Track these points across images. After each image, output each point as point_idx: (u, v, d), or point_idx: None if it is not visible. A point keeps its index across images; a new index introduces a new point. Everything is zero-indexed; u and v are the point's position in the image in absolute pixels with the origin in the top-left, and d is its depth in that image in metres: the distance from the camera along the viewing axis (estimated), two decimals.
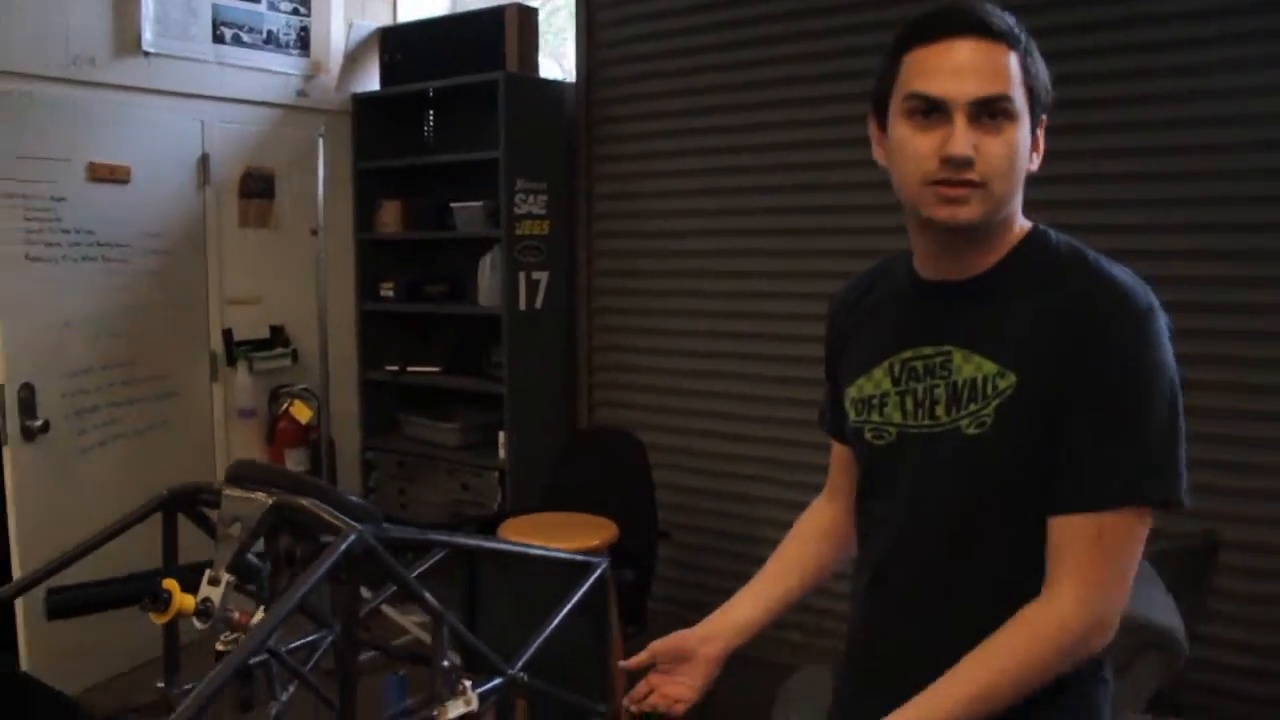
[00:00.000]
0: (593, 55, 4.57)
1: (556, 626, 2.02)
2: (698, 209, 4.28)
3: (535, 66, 4.63)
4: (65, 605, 3.02)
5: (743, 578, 1.69)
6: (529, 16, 4.56)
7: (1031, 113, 1.28)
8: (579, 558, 2.09)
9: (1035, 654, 1.23)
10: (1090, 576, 1.23)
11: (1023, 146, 1.26)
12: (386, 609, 1.98)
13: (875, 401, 1.41)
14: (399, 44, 4.80)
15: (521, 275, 4.45)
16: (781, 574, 1.60)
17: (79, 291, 3.74)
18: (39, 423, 3.54)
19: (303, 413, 4.45)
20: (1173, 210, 3.33)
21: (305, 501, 1.57)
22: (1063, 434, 1.24)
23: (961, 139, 1.23)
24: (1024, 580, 1.30)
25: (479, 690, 1.76)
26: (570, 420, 4.72)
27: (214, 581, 1.56)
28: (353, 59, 4.85)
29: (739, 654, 1.65)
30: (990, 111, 1.24)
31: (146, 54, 4.03)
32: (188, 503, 1.75)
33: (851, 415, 1.46)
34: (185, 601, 1.53)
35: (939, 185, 1.26)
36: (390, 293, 4.84)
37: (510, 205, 4.37)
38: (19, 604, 3.42)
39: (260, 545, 1.74)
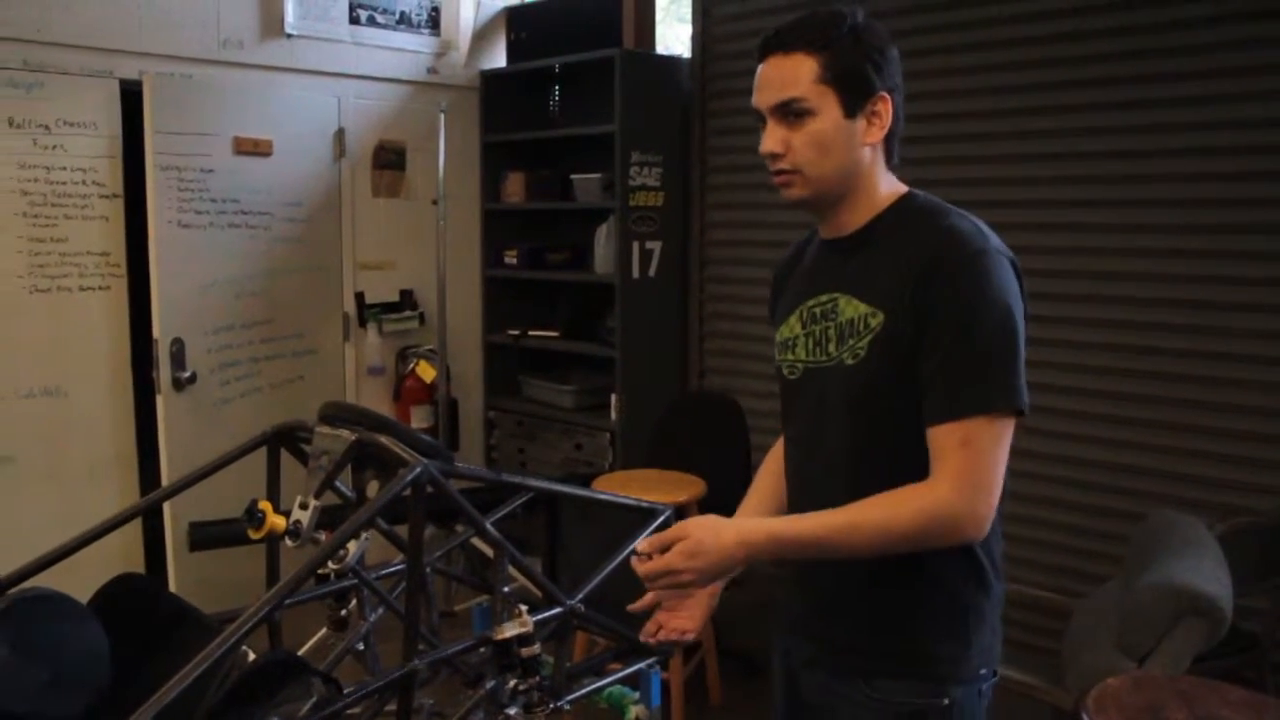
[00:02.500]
0: (708, 31, 4.70)
1: (625, 571, 2.19)
2: None
3: (652, 43, 4.77)
4: (204, 538, 3.35)
5: None
6: None
7: (847, 98, 1.54)
8: (643, 504, 2.25)
9: (903, 510, 1.47)
10: (963, 471, 1.46)
11: (829, 133, 1.55)
12: (477, 542, 2.19)
13: (790, 343, 1.71)
14: (524, 22, 5.01)
15: (635, 245, 4.62)
16: (759, 510, 1.85)
17: (223, 256, 4.08)
18: (187, 374, 3.89)
19: (428, 372, 4.73)
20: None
21: (383, 438, 1.78)
22: (923, 359, 1.50)
23: (766, 140, 1.59)
24: (905, 482, 1.54)
25: (538, 618, 1.95)
26: (680, 385, 4.89)
27: (304, 506, 1.78)
28: (480, 37, 5.09)
29: None
30: (788, 112, 1.55)
31: (289, 36, 4.35)
32: (287, 438, 1.99)
33: (776, 356, 1.76)
34: (277, 521, 1.76)
35: (773, 175, 1.62)
36: (514, 260, 5.09)
37: (625, 177, 4.54)
38: (168, 536, 3.79)
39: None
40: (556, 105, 5.26)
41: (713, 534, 1.51)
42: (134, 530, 3.95)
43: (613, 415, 4.66)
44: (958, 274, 1.48)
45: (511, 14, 5.07)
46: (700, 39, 4.70)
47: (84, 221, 3.85)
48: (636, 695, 2.36)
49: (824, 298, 1.65)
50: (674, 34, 5.30)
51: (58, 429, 3.85)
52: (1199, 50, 3.34)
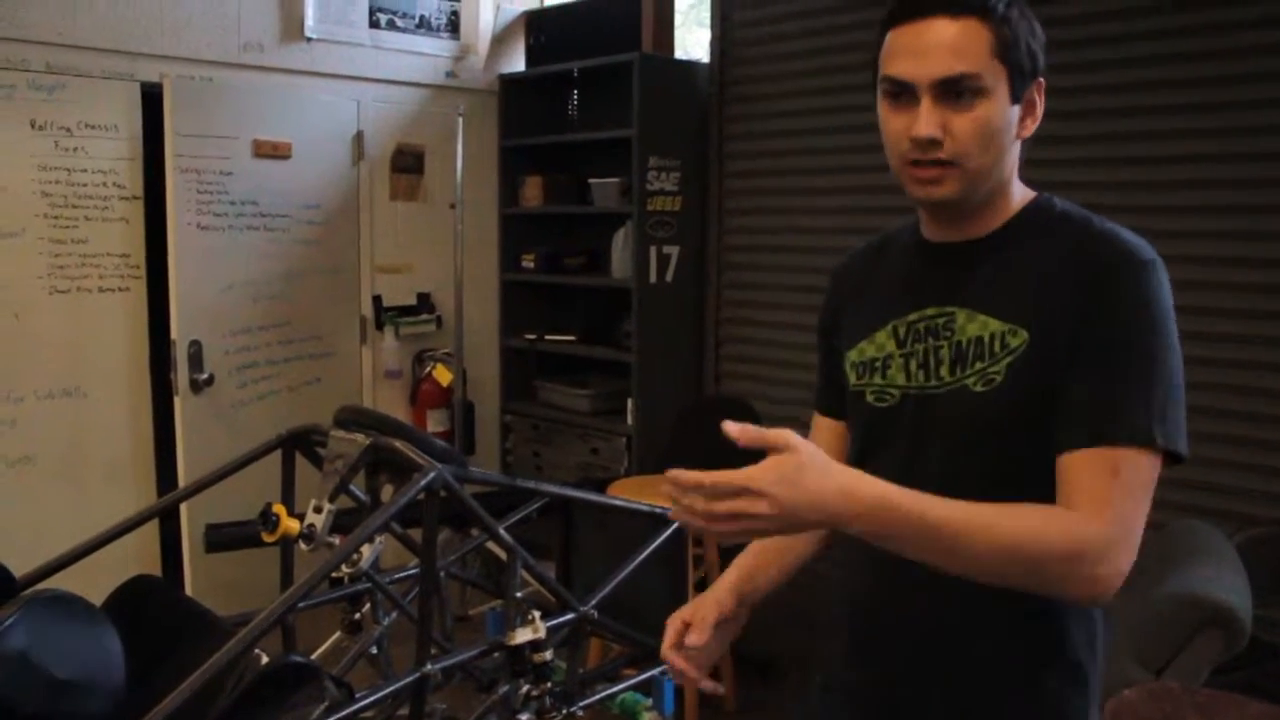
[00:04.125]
0: (726, 36, 4.69)
1: (639, 576, 2.19)
2: (827, 188, 4.34)
3: (671, 48, 4.77)
4: (220, 540, 3.36)
5: None
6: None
7: (1016, 80, 1.28)
8: (657, 509, 2.25)
9: (1051, 528, 1.18)
10: (1112, 503, 1.19)
11: (998, 120, 1.27)
12: (492, 547, 2.18)
13: (878, 364, 1.41)
14: (543, 26, 5.03)
15: (653, 249, 4.62)
16: (754, 566, 1.55)
17: (242, 258, 4.10)
18: (205, 376, 3.91)
19: (444, 376, 4.73)
20: None
21: (397, 442, 1.78)
22: (1074, 379, 1.24)
23: (926, 120, 1.26)
24: None
25: (551, 623, 1.95)
26: (697, 389, 4.88)
27: (318, 510, 1.79)
28: (499, 41, 5.10)
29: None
30: (956, 90, 1.25)
31: (309, 39, 4.38)
32: (303, 442, 1.99)
33: (852, 379, 1.45)
34: (291, 525, 1.76)
35: (913, 166, 1.29)
36: (531, 264, 5.09)
37: (642, 182, 4.53)
38: (184, 538, 3.80)
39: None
40: (575, 109, 5.26)
41: (820, 469, 1.14)
42: (150, 531, 3.97)
43: (629, 420, 4.65)
44: (1131, 286, 1.24)
45: (530, 18, 5.09)
46: (719, 44, 4.69)
47: (104, 223, 3.87)
48: (650, 701, 2.35)
49: (932, 311, 1.36)
50: (693, 38, 5.30)
51: (76, 430, 3.88)
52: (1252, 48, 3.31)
